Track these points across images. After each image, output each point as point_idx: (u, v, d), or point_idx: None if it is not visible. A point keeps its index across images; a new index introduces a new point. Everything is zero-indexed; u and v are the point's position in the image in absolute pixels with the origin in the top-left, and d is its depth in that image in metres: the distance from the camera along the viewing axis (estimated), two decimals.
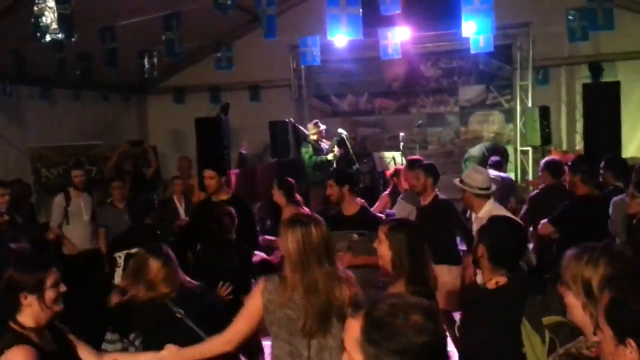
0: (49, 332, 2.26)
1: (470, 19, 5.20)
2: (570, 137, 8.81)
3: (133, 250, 4.08)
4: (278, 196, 4.99)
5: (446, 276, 4.07)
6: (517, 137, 8.85)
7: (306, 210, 5.09)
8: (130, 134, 9.45)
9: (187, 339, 2.64)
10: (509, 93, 9.05)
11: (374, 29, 6.64)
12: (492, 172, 6.60)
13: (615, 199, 4.20)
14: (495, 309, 2.27)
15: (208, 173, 4.83)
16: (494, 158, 6.92)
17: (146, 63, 6.90)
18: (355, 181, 4.28)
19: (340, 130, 7.82)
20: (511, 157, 8.83)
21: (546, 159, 5.84)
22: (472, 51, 6.17)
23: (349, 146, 7.76)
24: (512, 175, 8.15)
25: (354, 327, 1.26)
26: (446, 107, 9.44)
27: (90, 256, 5.86)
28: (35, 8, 4.05)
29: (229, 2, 4.82)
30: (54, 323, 2.32)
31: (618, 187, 4.63)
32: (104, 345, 4.19)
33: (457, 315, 2.59)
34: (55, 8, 4.01)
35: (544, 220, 4.38)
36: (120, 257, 4.22)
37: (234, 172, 7.84)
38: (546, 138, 7.91)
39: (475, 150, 8.12)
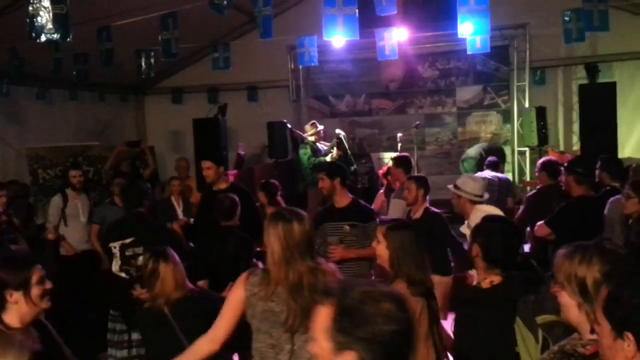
0: (35, 330, 2.25)
1: (466, 20, 5.21)
2: (567, 137, 8.84)
3: (128, 240, 4.10)
4: (261, 197, 5.28)
5: (437, 286, 4.07)
6: (515, 138, 8.87)
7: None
8: (127, 135, 9.45)
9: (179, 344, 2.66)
10: (506, 94, 9.08)
11: (371, 29, 6.65)
12: (489, 173, 6.65)
13: (612, 198, 4.21)
14: (489, 308, 2.27)
15: (206, 164, 4.93)
16: (490, 158, 6.93)
17: (143, 63, 6.89)
18: (346, 174, 4.29)
19: (338, 130, 7.82)
20: (508, 158, 8.85)
21: (543, 159, 5.86)
22: (469, 52, 6.19)
23: (347, 147, 7.77)
24: (509, 176, 8.15)
25: (323, 315, 1.25)
26: (444, 107, 9.46)
27: (88, 257, 5.86)
28: (30, 8, 4.04)
29: (225, 2, 4.81)
30: (40, 321, 2.31)
31: (614, 187, 4.64)
32: (109, 336, 4.21)
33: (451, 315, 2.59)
34: (50, 8, 4.00)
35: (540, 222, 4.39)
36: (115, 247, 4.20)
37: (231, 173, 7.83)
38: (543, 138, 7.93)
39: (473, 151, 8.13)
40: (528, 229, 5.12)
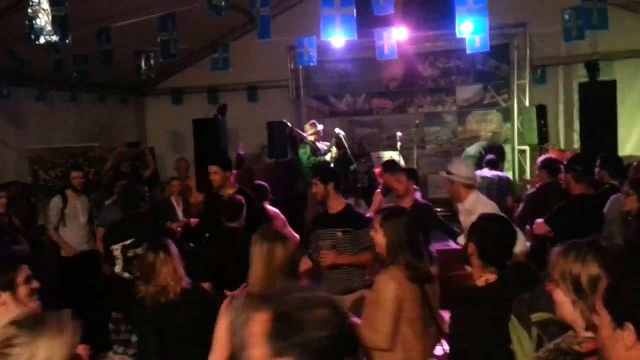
0: None
1: (464, 19, 5.21)
2: (568, 135, 8.82)
3: (128, 242, 4.13)
4: None
5: None
6: (515, 136, 8.86)
7: (272, 210, 5.23)
8: (128, 136, 9.47)
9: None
10: (506, 92, 9.06)
11: (370, 29, 6.65)
12: (488, 172, 6.65)
13: (613, 197, 4.21)
14: (484, 306, 2.28)
15: (212, 168, 4.88)
16: (489, 157, 6.94)
17: (142, 64, 6.90)
18: (340, 178, 4.31)
19: (337, 130, 7.82)
20: (509, 156, 8.84)
21: (542, 157, 5.86)
22: (468, 51, 6.18)
23: (347, 146, 7.77)
24: (509, 174, 8.15)
25: (259, 321, 1.25)
26: (444, 106, 9.45)
27: (88, 257, 5.88)
28: (29, 10, 4.05)
29: (223, 3, 4.82)
30: None
31: (614, 185, 4.64)
32: (114, 336, 4.23)
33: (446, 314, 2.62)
34: (49, 10, 4.01)
35: (539, 220, 4.39)
36: (117, 249, 4.24)
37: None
38: (543, 137, 7.92)
39: (472, 149, 8.13)
40: (528, 227, 5.12)
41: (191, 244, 5.52)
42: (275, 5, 8.54)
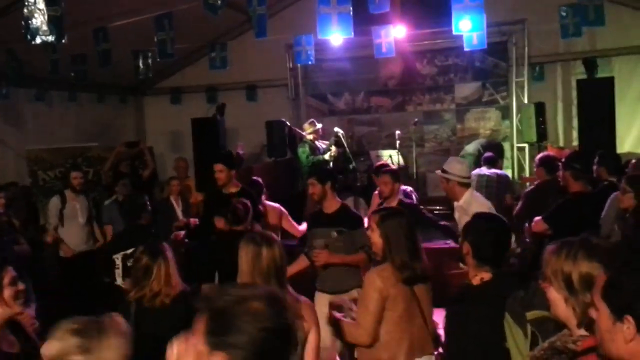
0: (12, 333, 2.25)
1: (461, 17, 5.21)
2: (567, 133, 8.81)
3: (129, 251, 4.15)
4: None
5: None
6: (514, 134, 8.84)
7: (269, 204, 5.24)
8: (127, 135, 9.47)
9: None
10: (505, 90, 9.05)
11: (368, 27, 6.64)
12: (486, 170, 6.65)
13: (613, 195, 4.21)
14: (479, 304, 2.29)
15: (218, 167, 4.92)
16: (487, 154, 6.94)
17: (140, 64, 6.90)
18: (336, 178, 4.33)
19: (336, 129, 7.83)
20: (508, 154, 8.84)
21: (541, 155, 5.87)
22: (466, 48, 6.18)
23: (346, 145, 7.77)
24: (508, 172, 8.15)
25: (200, 321, 1.28)
26: (442, 104, 9.44)
27: (87, 258, 5.89)
28: (25, 10, 4.06)
29: (219, 2, 4.82)
30: (16, 323, 2.32)
31: (612, 182, 4.65)
32: None
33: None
34: (45, 10, 4.02)
35: (537, 218, 4.39)
36: (117, 258, 4.30)
37: None
38: (542, 134, 7.92)
39: (471, 147, 8.14)
40: (526, 224, 5.13)
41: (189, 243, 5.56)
42: (273, 4, 8.55)
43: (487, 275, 2.35)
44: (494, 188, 6.52)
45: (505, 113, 9.09)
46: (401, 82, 9.53)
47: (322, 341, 2.67)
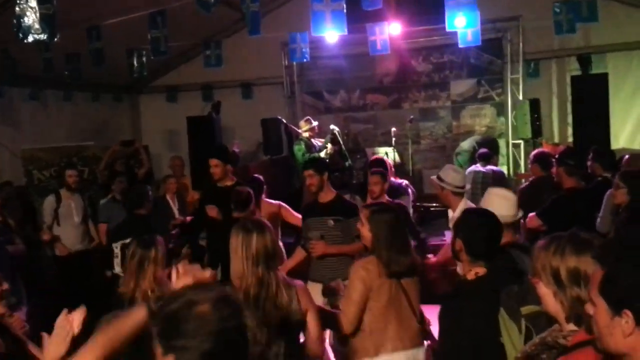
0: None
1: (455, 14, 5.22)
2: (562, 129, 8.84)
3: (128, 240, 4.16)
4: None
5: None
6: (509, 131, 8.87)
7: (267, 201, 5.20)
8: (122, 134, 9.44)
9: None
10: (500, 87, 9.07)
11: (363, 24, 6.65)
12: (481, 167, 6.67)
13: (609, 192, 4.22)
14: (474, 299, 2.30)
15: (213, 161, 4.92)
16: (481, 151, 6.95)
17: (135, 62, 6.89)
18: (330, 168, 4.36)
19: (332, 126, 7.83)
20: (503, 151, 8.86)
21: (535, 151, 5.88)
22: (460, 45, 6.19)
23: (342, 142, 7.78)
24: (504, 169, 8.18)
25: (153, 327, 1.33)
26: (438, 101, 9.46)
27: (83, 257, 5.88)
28: (17, 8, 4.05)
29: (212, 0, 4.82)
30: (2, 324, 2.31)
31: (606, 178, 4.67)
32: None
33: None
34: (37, 8, 4.01)
35: (532, 214, 4.40)
36: (117, 247, 4.32)
37: None
38: (537, 131, 7.94)
39: (466, 144, 8.15)
40: (522, 220, 5.13)
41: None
42: (268, 1, 8.54)
43: (481, 270, 2.37)
44: (490, 185, 6.53)
45: (501, 110, 9.11)
46: (397, 80, 9.54)
47: None
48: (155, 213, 6.01)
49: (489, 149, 7.17)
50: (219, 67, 7.13)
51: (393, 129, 8.18)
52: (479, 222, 2.44)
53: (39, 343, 2.11)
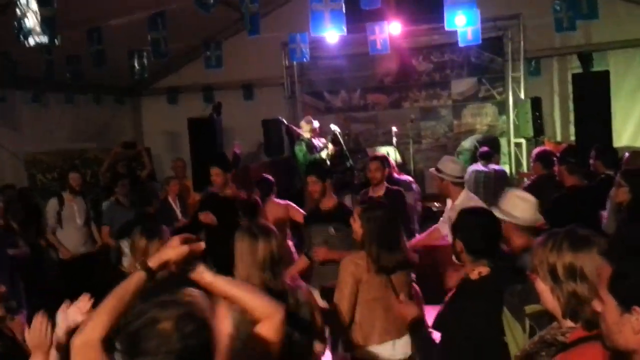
0: None
1: (454, 12, 5.21)
2: (564, 127, 8.82)
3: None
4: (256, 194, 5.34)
5: None
6: (511, 129, 8.85)
7: (276, 201, 5.22)
8: (124, 136, 9.46)
9: None
10: (501, 85, 9.04)
11: (363, 24, 6.65)
12: (482, 166, 6.66)
13: (613, 190, 4.20)
14: (477, 299, 2.29)
15: (214, 170, 4.94)
16: (482, 149, 6.95)
17: (136, 64, 6.90)
18: (332, 176, 4.38)
19: (333, 126, 7.82)
20: (505, 149, 8.84)
21: (537, 150, 5.87)
22: (460, 44, 6.18)
23: (342, 142, 7.77)
24: (506, 168, 8.16)
25: (118, 343, 1.36)
26: (439, 100, 9.43)
27: (86, 260, 5.89)
28: (18, 11, 4.06)
29: (211, 0, 4.83)
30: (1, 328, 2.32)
31: (609, 175, 4.65)
32: None
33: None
34: (37, 11, 4.02)
35: None
36: (125, 245, 4.33)
37: None
38: (539, 129, 7.92)
39: (467, 143, 8.15)
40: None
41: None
42: (268, 2, 8.54)
43: (485, 270, 2.36)
44: (492, 184, 6.53)
45: (502, 108, 9.09)
46: (397, 79, 9.52)
47: None
48: (158, 215, 6.03)
49: (489, 147, 7.15)
50: (219, 68, 7.14)
51: (394, 129, 8.17)
52: (477, 221, 2.44)
53: None
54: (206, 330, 1.33)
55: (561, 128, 8.85)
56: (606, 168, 4.84)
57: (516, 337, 2.06)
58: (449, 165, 3.96)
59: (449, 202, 4.07)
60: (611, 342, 1.34)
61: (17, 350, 2.30)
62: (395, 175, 6.23)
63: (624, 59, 8.32)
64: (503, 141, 8.86)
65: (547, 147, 6.73)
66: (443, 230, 4.30)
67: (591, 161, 4.96)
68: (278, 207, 5.23)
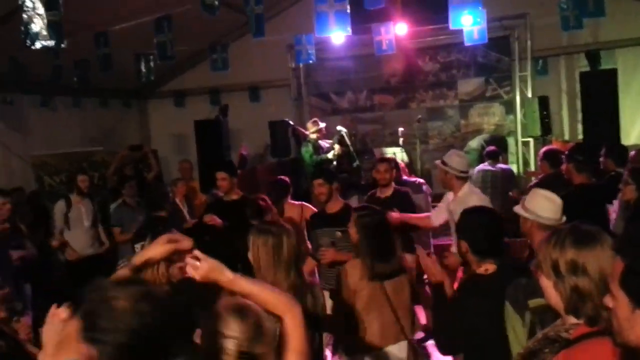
0: None
1: (459, 11, 5.20)
2: (572, 126, 8.76)
3: (147, 241, 4.21)
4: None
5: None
6: (518, 129, 8.81)
7: (290, 202, 5.17)
8: (131, 139, 9.51)
9: None
10: (508, 84, 9.01)
11: (368, 25, 6.65)
12: (490, 166, 6.62)
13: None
14: (483, 296, 2.29)
15: (221, 175, 4.94)
16: (489, 148, 6.91)
17: (143, 67, 6.94)
18: (339, 179, 4.38)
19: (339, 127, 7.82)
20: (513, 149, 8.80)
21: (544, 148, 5.83)
22: (466, 43, 6.17)
23: (349, 143, 7.77)
24: (514, 167, 8.11)
25: (75, 320, 1.39)
26: (446, 101, 9.41)
27: (93, 262, 5.91)
28: (25, 15, 4.10)
29: (216, 2, 4.84)
30: (1, 328, 2.33)
31: (619, 173, 4.61)
32: None
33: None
34: (44, 15, 4.05)
35: None
36: (138, 248, 4.36)
37: None
38: (546, 128, 7.88)
39: (474, 143, 8.11)
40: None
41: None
42: (273, 5, 8.57)
43: (492, 267, 2.36)
44: (499, 184, 6.49)
45: (509, 108, 9.05)
46: (404, 79, 9.51)
47: None
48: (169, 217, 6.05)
49: (496, 146, 7.12)
50: (225, 71, 7.17)
51: (401, 129, 8.15)
52: (480, 221, 2.45)
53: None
54: (165, 311, 1.35)
55: (569, 127, 8.79)
56: (616, 166, 4.80)
57: (516, 330, 2.06)
58: (454, 159, 3.98)
59: (450, 194, 4.08)
60: (622, 338, 1.32)
61: (20, 351, 2.31)
62: (405, 177, 6.21)
63: (631, 57, 8.25)
64: (511, 140, 8.81)
65: (555, 146, 6.69)
66: (435, 220, 4.30)
67: (601, 159, 4.92)
68: (294, 207, 5.22)
